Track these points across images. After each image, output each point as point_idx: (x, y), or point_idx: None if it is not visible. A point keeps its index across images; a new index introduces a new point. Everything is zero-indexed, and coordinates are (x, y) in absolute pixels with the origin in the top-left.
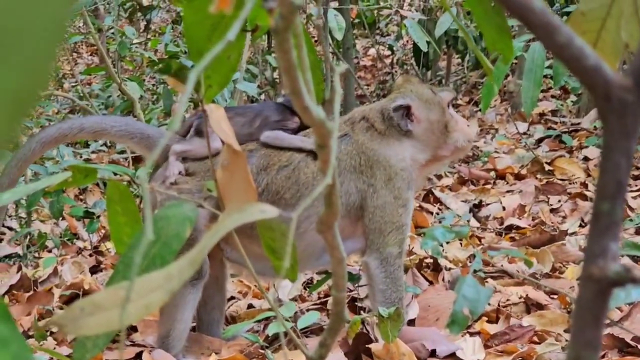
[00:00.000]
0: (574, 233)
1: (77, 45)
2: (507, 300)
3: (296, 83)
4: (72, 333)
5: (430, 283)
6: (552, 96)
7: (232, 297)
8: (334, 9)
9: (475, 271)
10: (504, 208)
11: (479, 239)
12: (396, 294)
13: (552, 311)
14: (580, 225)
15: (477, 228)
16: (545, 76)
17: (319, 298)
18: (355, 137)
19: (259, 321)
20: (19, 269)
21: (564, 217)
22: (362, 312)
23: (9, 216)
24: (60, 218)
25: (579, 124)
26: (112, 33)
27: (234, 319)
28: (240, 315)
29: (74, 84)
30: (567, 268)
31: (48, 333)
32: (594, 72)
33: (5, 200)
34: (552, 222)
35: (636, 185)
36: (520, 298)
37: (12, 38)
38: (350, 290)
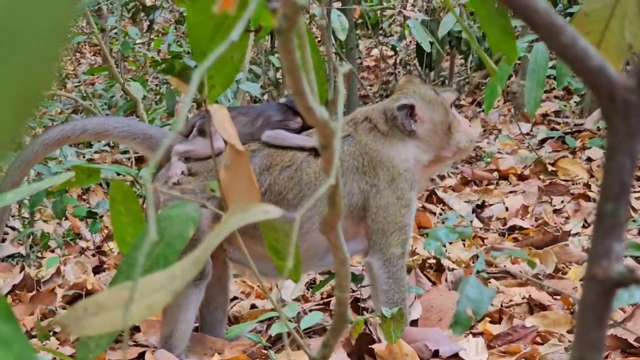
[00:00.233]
0: (577, 234)
1: (80, 45)
2: (510, 300)
3: (300, 83)
4: (76, 333)
5: (433, 283)
6: (555, 97)
7: (235, 298)
8: (337, 9)
9: (478, 272)
10: (506, 209)
11: (482, 239)
12: (399, 294)
13: (555, 312)
14: (583, 226)
15: (480, 229)
16: (548, 77)
17: (322, 298)
18: (358, 138)
19: (261, 321)
20: (22, 269)
21: (567, 218)
22: (365, 312)
23: (12, 216)
24: (63, 218)
25: (582, 124)
26: (115, 33)
27: (236, 319)
28: (243, 315)
29: (77, 84)
30: (570, 269)
31: (51, 333)
32: (598, 73)
33: (9, 200)
34: (555, 223)
35: None
36: (523, 299)
37: (15, 38)
38: (353, 291)
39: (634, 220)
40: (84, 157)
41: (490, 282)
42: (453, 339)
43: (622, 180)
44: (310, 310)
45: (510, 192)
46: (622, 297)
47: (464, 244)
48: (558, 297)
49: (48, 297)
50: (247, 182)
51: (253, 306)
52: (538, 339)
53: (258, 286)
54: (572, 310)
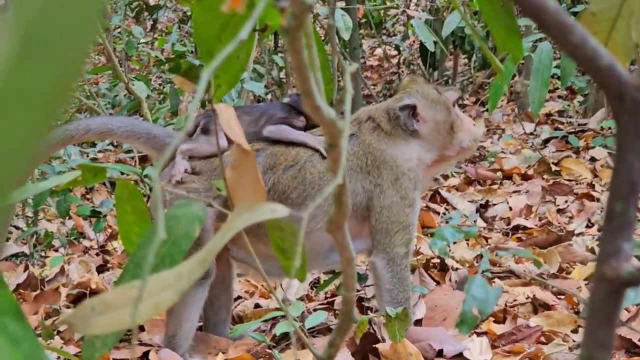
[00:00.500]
0: (580, 233)
1: None
2: (514, 300)
3: (307, 83)
4: (83, 332)
5: (437, 283)
6: (559, 97)
7: (239, 297)
8: (341, 8)
9: (483, 271)
10: (510, 208)
11: (486, 239)
12: (403, 294)
13: (559, 311)
14: (587, 226)
15: (484, 228)
16: (552, 76)
17: (326, 298)
18: (362, 137)
19: (266, 321)
20: (26, 268)
21: (571, 218)
22: (369, 312)
23: (16, 215)
24: (67, 217)
25: (585, 124)
26: (119, 32)
27: (240, 318)
28: (247, 314)
29: (80, 83)
30: (574, 268)
31: (55, 332)
32: (608, 72)
33: (13, 199)
34: (558, 223)
35: None
36: (527, 298)
37: (50, 37)
38: (358, 290)
39: None
40: (87, 156)
41: (494, 282)
42: (457, 339)
43: (632, 179)
44: (315, 310)
45: (514, 191)
46: (628, 296)
47: (467, 244)
48: (562, 297)
49: (52, 296)
50: (253, 181)
51: (257, 305)
52: (542, 339)
53: (262, 285)
54: (576, 310)
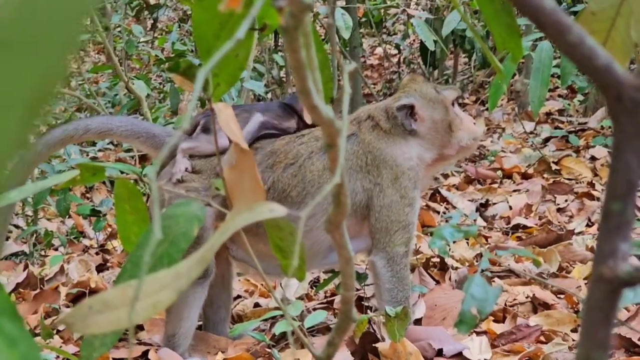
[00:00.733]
0: (580, 232)
1: (84, 43)
2: (514, 299)
3: (305, 82)
4: (81, 331)
5: (437, 282)
6: (559, 95)
7: (239, 296)
8: (341, 7)
9: (482, 270)
10: (510, 207)
11: (486, 238)
12: (402, 293)
13: (559, 311)
14: (587, 225)
15: (484, 227)
16: (552, 75)
17: (326, 297)
18: (361, 137)
19: (265, 320)
20: (26, 267)
21: (571, 217)
22: (368, 311)
23: (16, 214)
24: (67, 216)
25: (586, 123)
26: (119, 31)
27: (240, 317)
28: (247, 314)
29: (80, 82)
30: (574, 268)
31: (54, 331)
32: (606, 72)
33: (13, 199)
34: (558, 222)
35: None
36: (527, 297)
37: (27, 39)
38: (357, 290)
39: None
40: (87, 155)
41: (494, 281)
42: (457, 338)
43: (629, 179)
44: (314, 309)
45: (514, 190)
46: (627, 296)
47: (467, 243)
48: (562, 296)
49: (51, 295)
50: (251, 181)
51: (257, 305)
52: (542, 338)
53: (262, 285)
54: (576, 309)
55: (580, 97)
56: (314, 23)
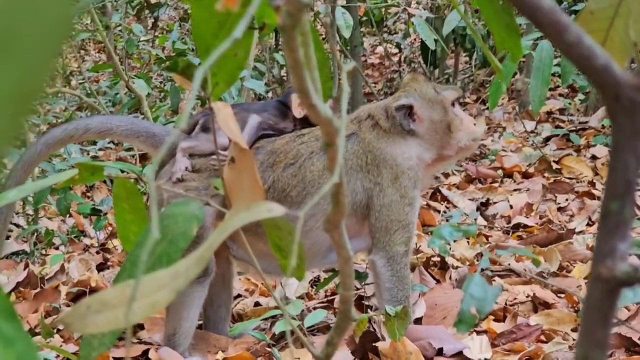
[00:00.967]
0: (581, 232)
1: (85, 42)
2: (514, 299)
3: (303, 81)
4: (79, 331)
5: (438, 281)
6: (560, 95)
7: (239, 295)
8: (342, 6)
9: (482, 270)
10: (511, 206)
11: (486, 237)
12: (403, 292)
13: (559, 310)
14: (588, 224)
15: (485, 226)
16: (553, 74)
17: (326, 296)
18: (362, 136)
19: (265, 319)
20: (26, 266)
21: (572, 216)
22: (369, 310)
23: (16, 213)
24: (67, 215)
25: (586, 122)
26: (120, 30)
27: (240, 317)
28: (247, 313)
29: (81, 81)
30: (574, 267)
31: (55, 330)
32: (604, 72)
33: (13, 198)
34: (559, 221)
35: None
36: (527, 297)
37: (12, 35)
38: (357, 289)
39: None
40: (88, 154)
41: (494, 280)
42: (457, 337)
43: (628, 178)
44: (314, 308)
45: (515, 190)
46: (626, 295)
47: (468, 242)
48: (562, 296)
49: (52, 294)
50: (251, 180)
51: (257, 304)
52: (542, 337)
53: (262, 284)
54: (576, 308)
55: (581, 96)
56: (315, 22)
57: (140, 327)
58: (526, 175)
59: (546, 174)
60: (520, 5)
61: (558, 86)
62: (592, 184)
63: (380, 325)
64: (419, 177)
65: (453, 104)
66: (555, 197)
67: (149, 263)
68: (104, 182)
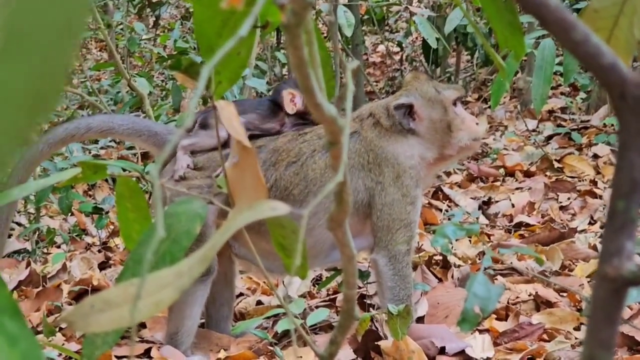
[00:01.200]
0: (583, 230)
1: (86, 41)
2: (517, 297)
3: (307, 80)
4: (83, 330)
5: (440, 280)
6: (562, 93)
7: (241, 294)
8: (344, 5)
9: (484, 268)
10: (513, 205)
11: (488, 236)
12: (405, 291)
13: (561, 309)
14: (590, 223)
15: (486, 225)
16: (555, 73)
17: (328, 295)
18: (364, 134)
19: (268, 318)
20: (28, 264)
21: (574, 215)
22: (371, 309)
23: (18, 212)
24: (69, 214)
25: (588, 121)
26: (121, 29)
27: (242, 315)
28: (249, 311)
29: (83, 80)
30: (576, 266)
31: (57, 329)
32: (610, 70)
33: (15, 197)
34: (561, 220)
35: None
36: (529, 296)
37: (26, 37)
38: (360, 287)
39: None
40: (89, 153)
41: (496, 279)
42: (459, 336)
43: (634, 177)
44: (317, 307)
45: (517, 188)
46: (631, 294)
47: (470, 241)
48: (564, 294)
49: (54, 293)
50: (254, 179)
51: (259, 302)
52: (544, 336)
53: (264, 282)
54: (578, 307)
55: (582, 94)
56: (316, 21)
57: (143, 325)
58: (528, 174)
59: (548, 173)
60: (525, 3)
61: (560, 85)
62: (594, 182)
63: (382, 324)
64: (420, 176)
65: (455, 103)
66: (557, 195)
67: (152, 262)
68: (106, 180)
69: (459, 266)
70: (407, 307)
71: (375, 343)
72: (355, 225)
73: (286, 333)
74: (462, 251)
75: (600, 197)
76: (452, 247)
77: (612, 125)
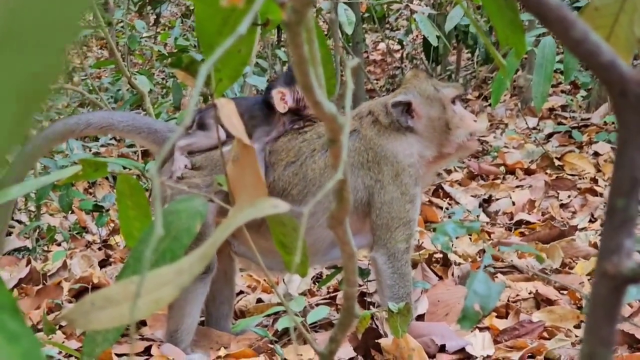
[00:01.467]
0: (583, 228)
1: (87, 38)
2: (517, 295)
3: (308, 78)
4: (83, 327)
5: (440, 278)
6: (562, 91)
7: (241, 292)
8: (344, 3)
9: (485, 266)
10: (513, 203)
11: (489, 234)
12: (404, 289)
13: (562, 307)
14: (590, 221)
15: (487, 223)
16: (555, 71)
17: (328, 293)
18: (363, 132)
19: (268, 315)
20: (28, 262)
21: (574, 213)
22: (371, 307)
23: (18, 209)
24: (70, 211)
25: (588, 119)
26: (122, 27)
27: (242, 313)
28: (249, 309)
29: (83, 78)
30: (576, 263)
31: (57, 327)
32: (610, 68)
33: (14, 194)
34: (561, 218)
35: None
36: (529, 293)
37: (23, 33)
38: (360, 285)
39: None
40: (90, 150)
41: (496, 277)
42: (459, 334)
43: (633, 175)
44: (317, 305)
45: (517, 186)
46: (631, 292)
47: (470, 239)
48: (565, 292)
49: (54, 290)
50: (253, 177)
51: (259, 300)
52: (545, 334)
53: (264, 280)
54: (579, 305)
55: (583, 92)
56: (317, 18)
57: (143, 323)
58: (528, 172)
59: (548, 171)
60: (526, 1)
61: (560, 83)
62: (594, 180)
63: (382, 322)
64: (419, 174)
65: (454, 102)
66: (558, 193)
67: (152, 259)
68: (106, 178)
69: (459, 264)
70: (408, 304)
71: (376, 341)
72: (354, 224)
73: (286, 331)
74: (463, 249)
75: (601, 195)
76: (453, 245)
77: (613, 123)
